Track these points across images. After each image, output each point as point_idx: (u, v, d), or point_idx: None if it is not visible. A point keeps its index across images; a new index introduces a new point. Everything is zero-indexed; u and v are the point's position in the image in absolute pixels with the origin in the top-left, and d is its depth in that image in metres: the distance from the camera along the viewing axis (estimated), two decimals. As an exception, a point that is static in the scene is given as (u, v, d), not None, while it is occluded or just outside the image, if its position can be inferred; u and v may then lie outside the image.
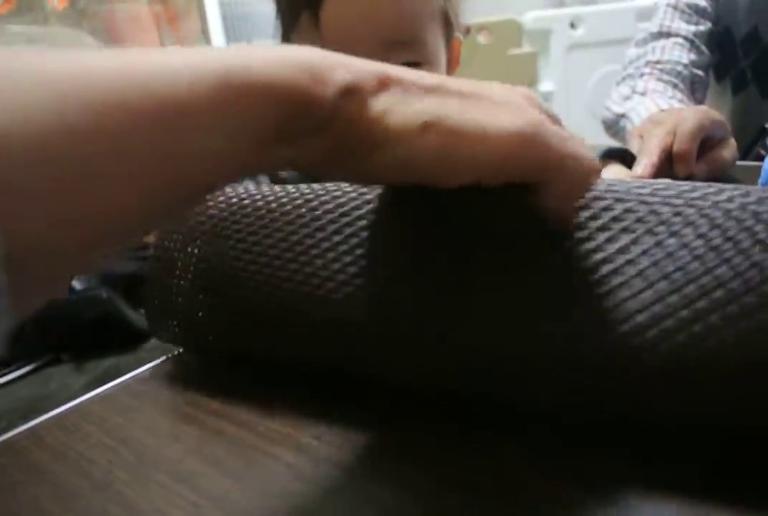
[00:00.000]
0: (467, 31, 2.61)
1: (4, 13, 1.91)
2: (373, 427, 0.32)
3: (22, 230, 0.18)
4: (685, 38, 1.02)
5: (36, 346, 1.69)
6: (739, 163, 0.99)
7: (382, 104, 0.24)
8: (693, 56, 1.02)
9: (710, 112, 0.74)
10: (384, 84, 0.25)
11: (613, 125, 1.04)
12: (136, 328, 1.88)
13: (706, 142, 0.70)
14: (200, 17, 2.30)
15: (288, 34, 0.63)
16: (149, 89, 0.20)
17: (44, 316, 1.70)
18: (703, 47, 1.03)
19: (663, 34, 1.04)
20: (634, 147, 0.75)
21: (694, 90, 1.02)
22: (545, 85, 2.26)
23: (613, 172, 0.63)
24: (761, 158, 0.76)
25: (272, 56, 0.23)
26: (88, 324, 1.72)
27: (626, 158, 0.64)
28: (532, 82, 2.26)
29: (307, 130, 0.24)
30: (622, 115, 1.00)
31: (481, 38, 2.38)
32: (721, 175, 0.73)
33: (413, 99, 0.25)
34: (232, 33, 2.45)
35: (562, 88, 2.25)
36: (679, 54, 1.01)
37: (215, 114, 0.21)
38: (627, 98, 0.99)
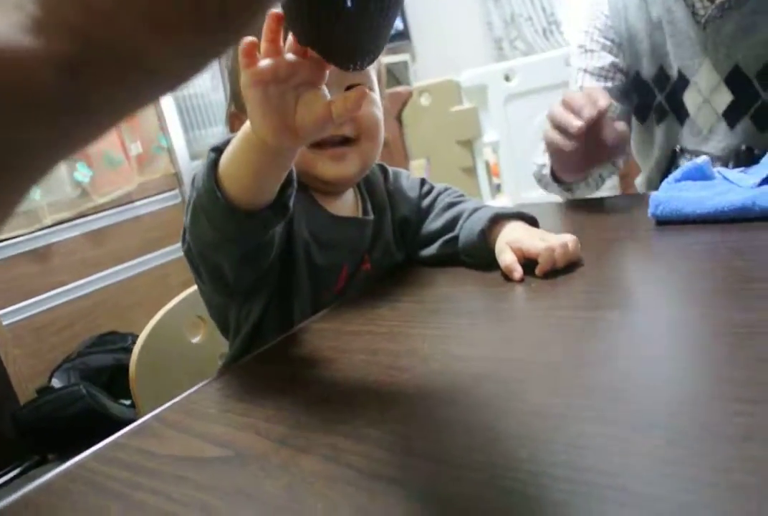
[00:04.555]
0: (409, 95, 2.73)
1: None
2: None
3: None
4: None
5: (21, 450, 1.72)
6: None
7: None
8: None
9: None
10: None
11: (540, 177, 1.13)
12: (118, 419, 1.93)
13: None
14: (156, 112, 2.42)
15: None
16: None
17: (24, 418, 1.75)
18: (620, 100, 1.12)
19: None
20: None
21: None
22: (490, 136, 2.37)
23: (511, 227, 0.69)
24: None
25: None
26: (70, 421, 1.76)
27: (525, 217, 0.71)
28: (476, 134, 2.37)
29: None
30: (543, 165, 1.09)
31: (424, 100, 2.51)
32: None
33: None
34: (189, 124, 2.57)
35: (506, 137, 2.36)
36: None
37: None
38: (545, 151, 1.05)
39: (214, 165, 0.52)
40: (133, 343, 1.94)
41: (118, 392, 1.65)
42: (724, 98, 1.05)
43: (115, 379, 1.71)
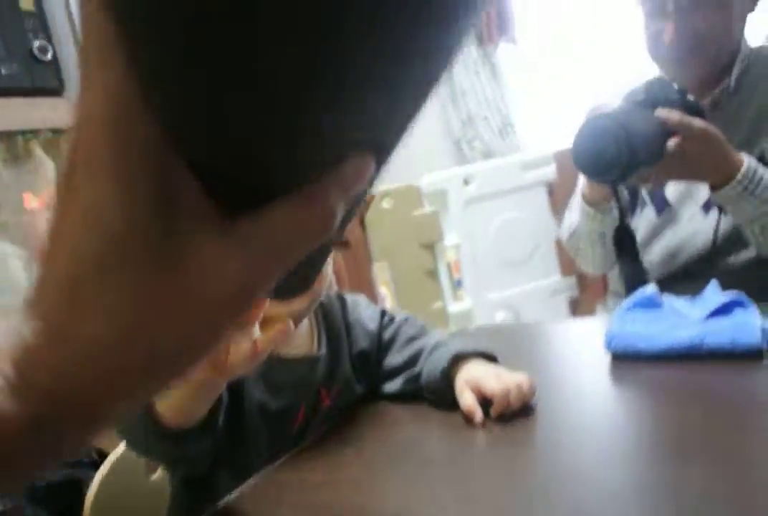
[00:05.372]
0: (372, 199, 2.82)
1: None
2: None
3: None
4: None
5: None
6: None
7: None
8: None
9: None
10: None
11: (569, 240, 1.29)
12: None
13: None
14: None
15: None
16: None
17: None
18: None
19: None
20: None
21: None
22: (450, 239, 2.44)
23: (470, 366, 0.71)
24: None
25: None
26: (12, 551, 1.61)
27: (484, 354, 0.73)
28: (438, 238, 2.43)
29: None
30: (570, 224, 1.27)
31: (386, 204, 2.59)
32: None
33: None
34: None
35: (466, 240, 2.43)
36: None
37: None
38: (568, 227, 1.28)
39: None
40: (87, 456, 1.84)
41: (65, 511, 1.55)
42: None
43: (65, 493, 1.61)
